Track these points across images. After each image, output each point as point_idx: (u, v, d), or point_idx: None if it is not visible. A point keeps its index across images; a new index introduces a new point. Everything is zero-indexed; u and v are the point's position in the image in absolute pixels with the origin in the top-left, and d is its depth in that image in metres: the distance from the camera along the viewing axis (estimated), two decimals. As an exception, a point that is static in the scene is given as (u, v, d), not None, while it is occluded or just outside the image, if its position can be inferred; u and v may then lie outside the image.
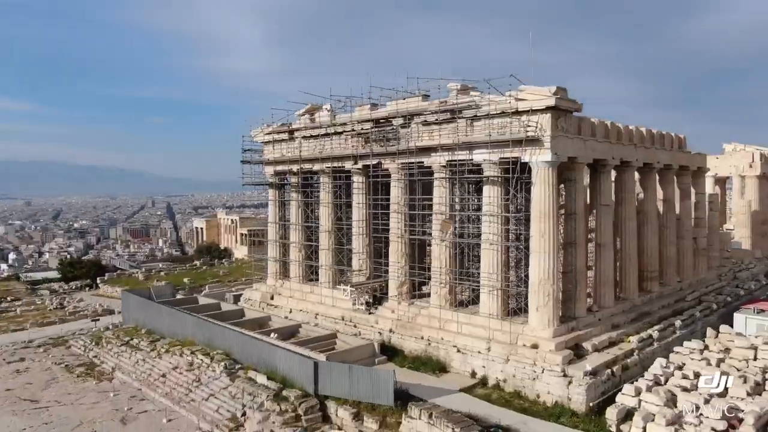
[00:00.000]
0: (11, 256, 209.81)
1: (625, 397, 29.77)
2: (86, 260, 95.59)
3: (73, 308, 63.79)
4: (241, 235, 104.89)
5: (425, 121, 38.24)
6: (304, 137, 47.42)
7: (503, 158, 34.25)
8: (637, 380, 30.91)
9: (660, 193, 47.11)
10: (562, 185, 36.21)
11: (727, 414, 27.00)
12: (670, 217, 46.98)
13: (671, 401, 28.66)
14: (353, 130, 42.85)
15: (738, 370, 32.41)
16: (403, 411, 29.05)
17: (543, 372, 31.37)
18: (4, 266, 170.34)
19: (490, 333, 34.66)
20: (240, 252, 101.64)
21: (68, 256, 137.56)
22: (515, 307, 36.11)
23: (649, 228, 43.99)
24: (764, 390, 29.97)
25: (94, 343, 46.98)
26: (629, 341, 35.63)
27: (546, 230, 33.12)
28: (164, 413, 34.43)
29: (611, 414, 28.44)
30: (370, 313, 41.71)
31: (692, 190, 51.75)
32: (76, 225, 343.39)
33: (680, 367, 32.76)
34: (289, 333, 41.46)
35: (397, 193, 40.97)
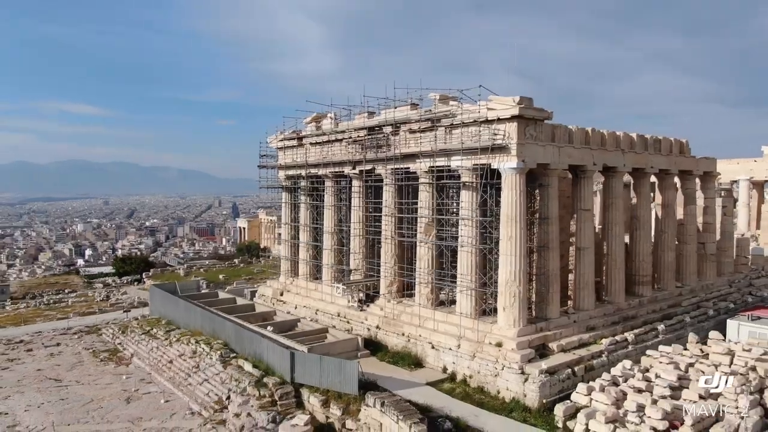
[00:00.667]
0: (87, 251, 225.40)
1: (578, 396, 30.88)
2: (136, 256, 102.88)
3: (115, 300, 69.69)
4: (278, 234, 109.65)
5: (411, 129, 40.34)
6: (311, 144, 50.43)
7: (476, 164, 35.91)
8: (595, 380, 31.98)
9: (659, 198, 47.12)
10: (537, 190, 37.42)
11: (670, 415, 27.80)
12: (668, 222, 46.81)
13: (621, 401, 29.59)
14: (350, 137, 45.45)
15: (703, 374, 32.77)
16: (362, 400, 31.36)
17: (503, 369, 32.85)
18: (81, 261, 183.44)
19: (461, 331, 36.37)
20: (277, 250, 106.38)
21: (138, 253, 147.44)
22: (490, 307, 37.67)
23: (641, 233, 44.20)
24: (720, 395, 30.28)
25: (120, 332, 51.76)
26: (600, 343, 36.42)
27: (513, 234, 34.53)
28: (163, 395, 38.20)
29: (559, 410, 29.73)
30: (361, 310, 44.16)
31: (700, 195, 51.22)
32: (147, 223, 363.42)
33: (646, 370, 33.33)
34: (288, 327, 44.41)
35: (387, 197, 43.21)
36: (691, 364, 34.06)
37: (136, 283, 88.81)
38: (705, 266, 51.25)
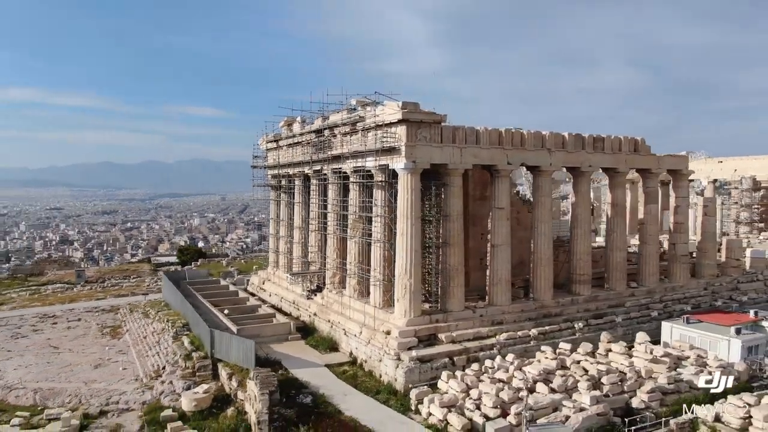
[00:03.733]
0: (200, 244, 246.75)
1: (441, 383, 33.01)
2: (191, 247, 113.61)
3: (151, 285, 78.67)
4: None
5: (341, 132, 43.64)
6: (286, 146, 55.07)
7: (381, 165, 38.61)
8: (463, 369, 33.80)
9: (609, 197, 46.62)
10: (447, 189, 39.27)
11: (506, 403, 29.26)
12: (618, 222, 46.14)
13: (473, 388, 31.32)
14: (307, 140, 49.47)
15: (585, 371, 33.38)
16: (253, 373, 35.44)
17: (385, 355, 35.46)
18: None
19: (365, 319, 39.27)
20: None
21: (244, 246, 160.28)
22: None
23: (579, 231, 44.21)
24: (576, 390, 30.95)
25: (129, 311, 59.48)
26: (498, 337, 37.68)
27: (405, 230, 36.89)
28: (126, 363, 44.52)
29: (413, 394, 32.08)
30: (308, 299, 48.13)
31: (672, 194, 49.68)
32: (256, 218, 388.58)
33: (527, 364, 34.31)
34: (248, 311, 49.46)
35: (332, 195, 46.76)
36: (578, 362, 34.71)
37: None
38: (675, 267, 49.59)
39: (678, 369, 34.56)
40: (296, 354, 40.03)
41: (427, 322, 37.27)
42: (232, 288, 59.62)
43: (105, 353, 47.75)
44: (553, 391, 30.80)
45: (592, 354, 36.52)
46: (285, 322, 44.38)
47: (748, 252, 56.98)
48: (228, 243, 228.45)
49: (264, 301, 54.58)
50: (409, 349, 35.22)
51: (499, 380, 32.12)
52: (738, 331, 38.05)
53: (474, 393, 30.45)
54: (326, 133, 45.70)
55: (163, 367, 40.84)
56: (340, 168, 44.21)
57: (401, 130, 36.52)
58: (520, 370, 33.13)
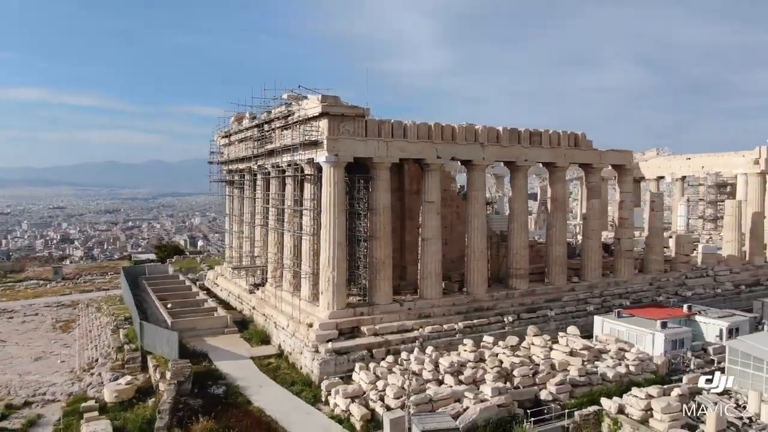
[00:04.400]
0: (200, 243, 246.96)
1: (355, 374, 33.13)
2: (168, 245, 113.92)
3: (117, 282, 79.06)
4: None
5: (278, 126, 43.83)
6: (237, 141, 55.32)
7: (308, 159, 38.79)
8: (380, 362, 33.94)
9: (549, 192, 46.63)
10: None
11: (409, 394, 29.36)
12: (558, 216, 46.15)
13: (383, 379, 31.45)
14: (251, 135, 49.69)
15: (500, 363, 33.45)
16: (175, 365, 35.71)
17: (305, 347, 35.64)
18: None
19: (294, 312, 39.45)
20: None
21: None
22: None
23: (515, 225, 44.24)
24: (483, 382, 31.03)
25: (86, 306, 59.88)
26: (422, 330, 37.78)
27: (328, 223, 37.06)
28: (65, 356, 44.85)
29: (323, 385, 32.21)
30: (251, 293, 48.37)
31: (616, 189, 49.60)
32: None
33: (445, 356, 34.37)
34: (191, 305, 49.67)
35: (272, 189, 46.96)
36: (495, 354, 34.79)
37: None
38: (620, 263, 49.53)
39: (596, 362, 34.59)
40: (227, 347, 40.26)
41: (350, 315, 37.40)
42: (187, 283, 59.91)
43: (50, 347, 48.05)
44: (460, 383, 30.90)
45: (516, 347, 36.62)
46: (222, 316, 44.64)
47: (700, 248, 56.81)
48: (227, 241, 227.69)
49: (214, 296, 54.90)
50: (329, 341, 35.36)
51: (411, 372, 32.21)
52: (663, 325, 38.03)
53: (380, 384, 30.58)
54: (266, 128, 45.90)
55: (96, 360, 41.16)
56: (278, 162, 44.40)
57: (323, 124, 36.70)
58: (436, 362, 33.24)
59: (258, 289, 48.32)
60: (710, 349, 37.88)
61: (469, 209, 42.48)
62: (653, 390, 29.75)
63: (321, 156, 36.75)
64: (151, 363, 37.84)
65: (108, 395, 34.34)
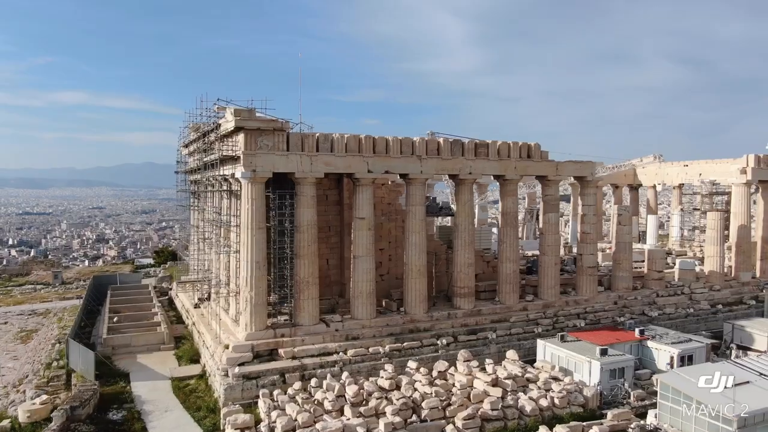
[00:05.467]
0: None
1: (260, 401, 31.71)
2: (166, 250, 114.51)
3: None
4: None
5: (216, 138, 42.70)
6: (189, 153, 54.52)
7: (232, 174, 37.56)
8: (285, 389, 32.46)
9: (500, 206, 44.35)
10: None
11: (300, 426, 27.89)
12: (508, 232, 43.76)
13: (281, 408, 30.00)
14: (198, 147, 48.73)
15: (413, 393, 31.59)
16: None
17: (217, 370, 34.40)
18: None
19: (218, 331, 38.26)
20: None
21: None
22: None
23: (459, 241, 42.09)
24: (384, 415, 29.25)
25: (53, 315, 60.12)
26: (345, 354, 36.10)
27: (247, 241, 35.75)
28: (7, 370, 44.72)
29: (222, 412, 30.79)
30: (195, 307, 47.45)
31: (579, 203, 46.98)
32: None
33: (353, 384, 32.56)
34: (139, 318, 49.09)
35: (214, 203, 45.93)
36: (413, 383, 32.89)
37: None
38: (582, 280, 46.82)
39: (520, 393, 32.31)
40: (153, 365, 39.38)
41: (270, 336, 36.00)
42: (151, 294, 59.53)
43: (1, 358, 48.15)
44: (360, 414, 29.17)
45: (443, 373, 34.60)
46: (160, 332, 43.82)
47: (677, 263, 53.42)
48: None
49: (175, 308, 54.29)
50: (240, 364, 34.04)
51: (314, 401, 30.67)
52: (603, 352, 35.46)
53: (274, 415, 29.12)
54: (205, 140, 44.84)
55: (26, 376, 40.80)
56: (213, 176, 43.35)
57: (240, 138, 35.44)
58: (343, 391, 31.53)
59: (202, 304, 47.39)
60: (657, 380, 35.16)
61: (407, 224, 40.58)
62: (561, 428, 27.54)
63: (240, 171, 35.47)
64: (73, 382, 37.22)
65: (21, 415, 33.62)
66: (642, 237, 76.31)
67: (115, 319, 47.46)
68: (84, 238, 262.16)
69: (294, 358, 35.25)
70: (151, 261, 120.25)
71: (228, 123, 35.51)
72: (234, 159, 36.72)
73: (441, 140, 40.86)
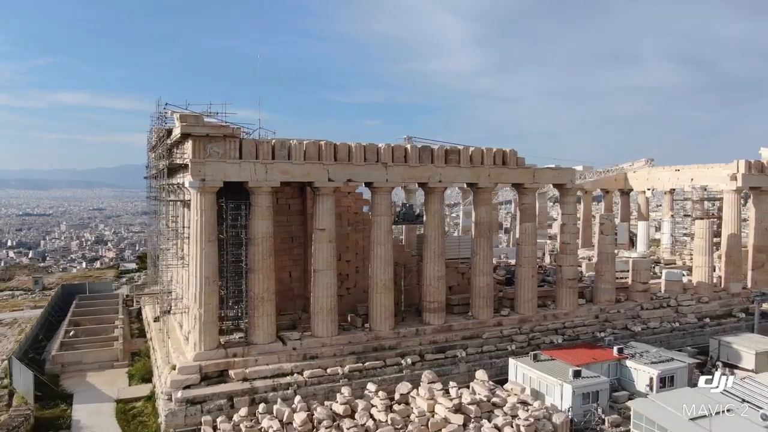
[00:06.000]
0: None
1: (202, 427, 29.48)
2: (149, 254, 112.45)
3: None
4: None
5: (170, 145, 40.47)
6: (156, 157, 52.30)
7: (191, 182, 35.25)
8: (231, 415, 30.20)
9: (473, 215, 42.09)
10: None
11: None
12: (481, 243, 41.43)
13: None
14: (157, 154, 46.52)
15: (366, 421, 29.35)
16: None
17: (161, 393, 32.16)
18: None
19: (169, 349, 35.99)
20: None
21: None
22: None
23: (428, 253, 39.80)
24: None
25: (18, 324, 57.88)
26: (296, 375, 33.81)
27: (196, 254, 33.50)
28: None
29: (157, 441, 28.64)
30: (155, 321, 45.20)
31: (558, 211, 44.65)
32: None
33: (303, 411, 30.27)
34: (97, 332, 46.85)
35: (175, 212, 43.64)
36: (369, 408, 30.60)
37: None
38: (561, 292, 44.50)
39: (483, 421, 29.97)
40: (102, 385, 37.14)
41: (220, 356, 33.70)
42: (118, 305, 57.26)
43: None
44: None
45: (404, 396, 32.29)
46: (111, 349, 41.58)
47: (663, 274, 51.04)
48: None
49: (139, 321, 52.08)
50: (186, 387, 31.75)
51: (260, 429, 28.43)
52: (576, 374, 33.09)
53: (212, 444, 26.89)
54: (164, 146, 42.60)
55: (-27, 394, 38.56)
56: (168, 184, 41.15)
57: (189, 145, 33.20)
58: (292, 418, 29.29)
59: (162, 318, 45.12)
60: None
61: (372, 235, 38.29)
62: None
63: (188, 179, 33.22)
64: (14, 401, 34.99)
65: (-45, 439, 31.62)
66: (633, 243, 74.07)
67: (71, 333, 45.26)
68: (83, 239, 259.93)
69: (245, 380, 32.94)
70: (134, 266, 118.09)
71: (176, 128, 33.27)
72: (185, 167, 34.47)
73: (408, 146, 38.58)
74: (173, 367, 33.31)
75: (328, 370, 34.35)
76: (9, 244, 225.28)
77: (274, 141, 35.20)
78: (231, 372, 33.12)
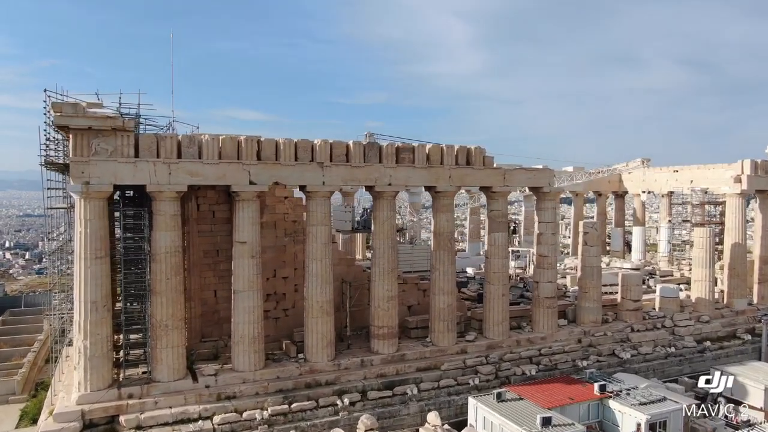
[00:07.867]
0: None
1: (66, 498, 23.37)
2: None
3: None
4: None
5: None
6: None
7: (71, 186, 29.21)
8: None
9: (432, 224, 35.99)
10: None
11: None
12: (442, 257, 35.30)
13: None
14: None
15: None
16: None
17: (32, 446, 26.12)
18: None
19: (57, 388, 29.97)
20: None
21: None
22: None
23: (377, 269, 33.70)
24: None
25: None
26: (210, 420, 27.74)
27: (80, 274, 27.52)
28: None
29: None
30: (69, 345, 39.08)
31: (536, 219, 38.55)
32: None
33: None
34: (8, 356, 40.97)
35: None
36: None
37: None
38: (538, 313, 38.38)
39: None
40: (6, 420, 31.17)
41: (111, 398, 27.60)
42: (48, 325, 51.26)
43: None
44: None
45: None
46: (10, 381, 35.57)
47: (658, 289, 44.79)
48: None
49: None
50: (62, 439, 25.70)
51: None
52: (546, 422, 26.93)
53: None
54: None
55: None
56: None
57: (71, 140, 27.17)
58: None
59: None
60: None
61: (307, 249, 32.22)
62: None
63: (71, 183, 27.21)
64: None
65: None
66: (630, 248, 68.11)
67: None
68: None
69: (139, 428, 26.86)
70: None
71: (57, 119, 27.20)
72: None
73: (351, 143, 32.46)
74: (50, 412, 27.28)
75: (244, 414, 28.24)
76: (6, 245, 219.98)
77: (180, 136, 29.13)
78: (122, 418, 27.03)
